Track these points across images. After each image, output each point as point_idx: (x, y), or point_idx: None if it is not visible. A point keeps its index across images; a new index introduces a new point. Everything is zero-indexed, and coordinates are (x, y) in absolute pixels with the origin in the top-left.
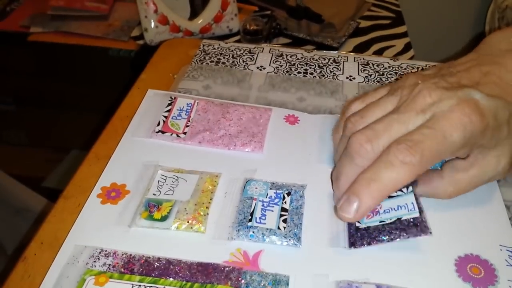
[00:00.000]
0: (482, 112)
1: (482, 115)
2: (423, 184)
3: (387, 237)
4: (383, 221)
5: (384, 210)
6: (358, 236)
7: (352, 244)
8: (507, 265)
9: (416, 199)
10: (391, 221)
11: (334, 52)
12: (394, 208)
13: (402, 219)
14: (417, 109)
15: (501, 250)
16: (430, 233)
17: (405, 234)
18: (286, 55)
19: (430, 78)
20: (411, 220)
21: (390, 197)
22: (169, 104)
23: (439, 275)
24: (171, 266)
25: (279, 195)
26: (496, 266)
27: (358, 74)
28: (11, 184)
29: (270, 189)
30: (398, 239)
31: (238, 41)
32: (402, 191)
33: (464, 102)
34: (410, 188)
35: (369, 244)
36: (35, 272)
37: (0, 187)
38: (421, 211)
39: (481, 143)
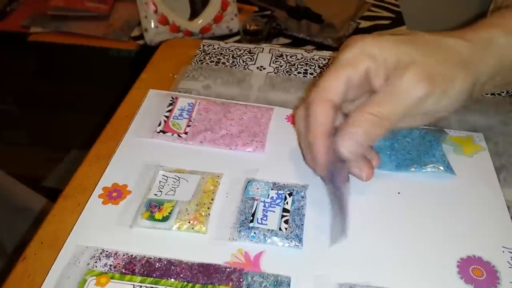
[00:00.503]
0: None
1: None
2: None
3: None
4: None
5: None
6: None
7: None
8: (509, 267)
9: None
10: None
11: (334, 52)
12: None
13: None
14: None
15: (503, 252)
16: None
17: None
18: (286, 55)
19: None
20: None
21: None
22: (170, 104)
23: (441, 276)
24: (172, 267)
25: (280, 196)
26: (498, 268)
27: None
28: (11, 183)
29: (272, 189)
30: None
31: (238, 41)
32: None
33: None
34: None
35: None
36: (35, 271)
37: (0, 186)
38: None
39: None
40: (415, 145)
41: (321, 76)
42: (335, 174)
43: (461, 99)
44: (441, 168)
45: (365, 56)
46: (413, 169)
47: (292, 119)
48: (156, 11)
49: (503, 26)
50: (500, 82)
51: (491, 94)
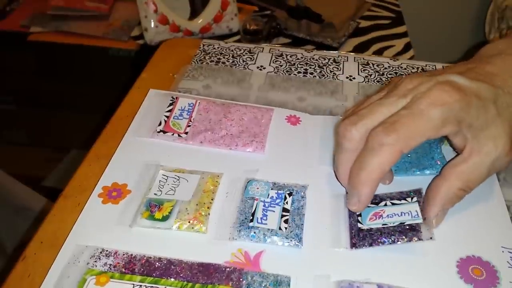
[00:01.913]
0: (461, 88)
1: (462, 91)
2: (432, 193)
3: (389, 239)
4: (385, 224)
5: (388, 215)
6: (360, 237)
7: (354, 245)
8: (508, 267)
9: (420, 207)
10: (394, 225)
11: (334, 52)
12: (398, 214)
13: (405, 223)
14: (399, 94)
15: (503, 252)
16: (431, 238)
17: (405, 237)
18: (286, 55)
19: (419, 75)
20: (414, 225)
21: (394, 204)
22: (170, 104)
23: (441, 276)
24: (172, 266)
25: (280, 196)
26: (498, 268)
27: (358, 74)
28: (11, 183)
29: (272, 189)
30: (399, 242)
31: (238, 41)
32: (406, 200)
33: (444, 82)
34: (415, 198)
35: (370, 245)
36: (35, 271)
37: (0, 186)
38: (424, 218)
39: (468, 121)
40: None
41: (404, 118)
42: None
43: None
44: (440, 170)
45: (452, 121)
46: (412, 172)
47: (336, 128)
48: (156, 11)
49: None
50: None
51: None
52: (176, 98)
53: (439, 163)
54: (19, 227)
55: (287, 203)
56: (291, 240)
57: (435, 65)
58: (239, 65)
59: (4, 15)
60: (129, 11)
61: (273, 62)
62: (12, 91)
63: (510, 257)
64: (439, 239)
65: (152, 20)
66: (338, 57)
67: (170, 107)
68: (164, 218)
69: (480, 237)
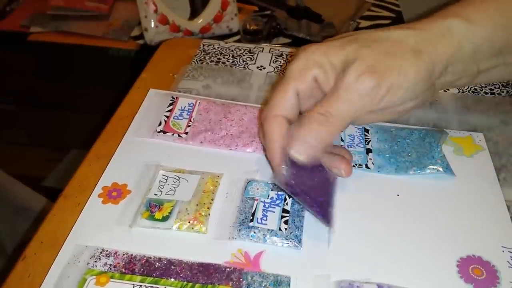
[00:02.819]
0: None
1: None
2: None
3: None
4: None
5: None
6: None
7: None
8: (509, 267)
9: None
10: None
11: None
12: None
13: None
14: None
15: (503, 251)
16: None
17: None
18: (286, 55)
19: None
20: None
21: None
22: (170, 104)
23: (441, 275)
24: (172, 267)
25: (280, 197)
26: (498, 267)
27: None
28: (11, 183)
29: (272, 190)
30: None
31: (238, 41)
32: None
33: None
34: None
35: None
36: (35, 271)
37: (0, 186)
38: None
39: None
40: (414, 147)
41: (272, 90)
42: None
43: (419, 89)
44: (440, 169)
45: (312, 65)
46: (412, 171)
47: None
48: (156, 11)
49: (462, 14)
50: (464, 73)
51: (491, 94)
52: (176, 98)
53: (439, 162)
54: (19, 227)
55: (287, 204)
56: (290, 241)
57: None
58: (239, 65)
59: (4, 15)
60: (129, 11)
61: (273, 62)
62: (12, 91)
63: (510, 256)
64: (439, 238)
65: (152, 20)
66: None
67: (170, 107)
68: (164, 218)
69: (480, 237)
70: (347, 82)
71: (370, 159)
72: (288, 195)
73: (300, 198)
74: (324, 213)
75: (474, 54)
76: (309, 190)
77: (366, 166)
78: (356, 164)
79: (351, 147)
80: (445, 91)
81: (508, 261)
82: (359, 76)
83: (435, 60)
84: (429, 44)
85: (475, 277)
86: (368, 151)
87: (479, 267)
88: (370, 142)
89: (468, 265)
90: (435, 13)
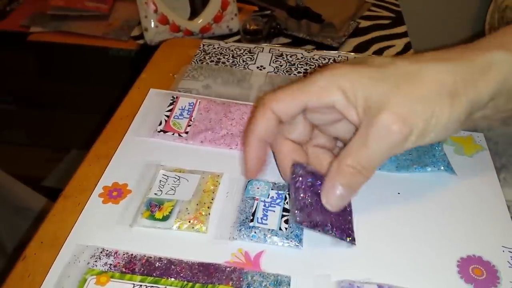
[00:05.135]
0: None
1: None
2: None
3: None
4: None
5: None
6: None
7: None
8: (509, 267)
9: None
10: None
11: (334, 52)
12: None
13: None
14: None
15: (503, 251)
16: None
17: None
18: (286, 55)
19: None
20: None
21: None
22: (171, 104)
23: (442, 275)
24: (173, 266)
25: (280, 196)
26: (498, 267)
27: None
28: (11, 183)
29: (272, 189)
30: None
31: (238, 41)
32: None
33: None
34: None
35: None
36: (35, 271)
37: (0, 186)
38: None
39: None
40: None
41: (283, 87)
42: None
43: (453, 127)
44: (442, 168)
45: (335, 89)
46: (413, 169)
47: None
48: (156, 11)
49: (507, 46)
50: (505, 107)
51: None
52: (177, 97)
53: (440, 160)
54: (19, 227)
55: (287, 203)
56: (291, 241)
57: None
58: (239, 65)
59: (4, 15)
60: (129, 11)
61: (273, 62)
62: (12, 91)
63: (511, 256)
64: (439, 238)
65: (152, 20)
66: (338, 57)
67: (171, 107)
68: (165, 218)
69: (480, 236)
70: (377, 131)
71: None
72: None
73: (319, 229)
74: (343, 233)
75: None
76: (327, 218)
77: None
78: None
79: None
80: None
81: (508, 261)
82: (391, 127)
83: (474, 100)
84: (469, 83)
85: (476, 277)
86: None
87: (479, 267)
88: None
89: (469, 265)
90: (476, 42)
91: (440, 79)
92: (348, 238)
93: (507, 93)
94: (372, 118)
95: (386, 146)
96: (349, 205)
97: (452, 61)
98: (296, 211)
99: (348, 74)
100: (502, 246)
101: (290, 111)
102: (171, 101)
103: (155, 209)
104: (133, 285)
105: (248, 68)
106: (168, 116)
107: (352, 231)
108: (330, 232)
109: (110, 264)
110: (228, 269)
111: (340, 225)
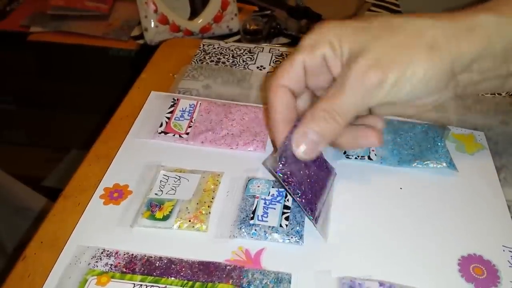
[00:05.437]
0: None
1: None
2: None
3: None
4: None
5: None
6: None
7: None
8: (509, 266)
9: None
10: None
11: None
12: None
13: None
14: None
15: (503, 250)
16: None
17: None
18: (286, 55)
19: None
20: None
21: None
22: (171, 106)
23: (443, 274)
24: (173, 265)
25: (281, 193)
26: (498, 267)
27: None
28: (11, 183)
29: (272, 187)
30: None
31: (238, 40)
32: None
33: None
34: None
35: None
36: (35, 271)
37: (0, 186)
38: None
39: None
40: (417, 140)
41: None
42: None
43: (434, 86)
44: (444, 164)
45: (323, 43)
46: (415, 164)
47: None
48: (156, 11)
49: (496, 9)
50: (492, 73)
51: (491, 94)
52: (178, 99)
53: (443, 157)
54: (19, 227)
55: (288, 200)
56: (291, 237)
57: None
58: (239, 65)
59: (4, 15)
60: (129, 11)
61: (273, 62)
62: (12, 91)
63: (511, 256)
64: (440, 237)
65: (152, 20)
66: None
67: (171, 109)
68: (165, 218)
69: (481, 236)
70: (352, 76)
71: (373, 150)
72: (277, 180)
73: (290, 188)
74: (310, 206)
75: (506, 52)
76: (301, 181)
77: (369, 158)
78: (358, 156)
79: None
80: None
81: (508, 261)
82: (365, 71)
83: (455, 58)
84: (451, 39)
85: (476, 276)
86: None
87: (480, 266)
88: None
89: (469, 264)
90: (467, 7)
91: (421, 31)
92: (311, 216)
93: (493, 56)
94: (348, 65)
95: (360, 92)
96: (328, 184)
97: (438, 19)
98: (278, 158)
99: (335, 28)
100: (503, 246)
101: (295, 77)
102: (172, 103)
103: (155, 209)
104: (133, 285)
105: (248, 68)
106: (169, 118)
107: (317, 210)
108: (298, 198)
109: (111, 265)
110: (228, 267)
111: (311, 199)
